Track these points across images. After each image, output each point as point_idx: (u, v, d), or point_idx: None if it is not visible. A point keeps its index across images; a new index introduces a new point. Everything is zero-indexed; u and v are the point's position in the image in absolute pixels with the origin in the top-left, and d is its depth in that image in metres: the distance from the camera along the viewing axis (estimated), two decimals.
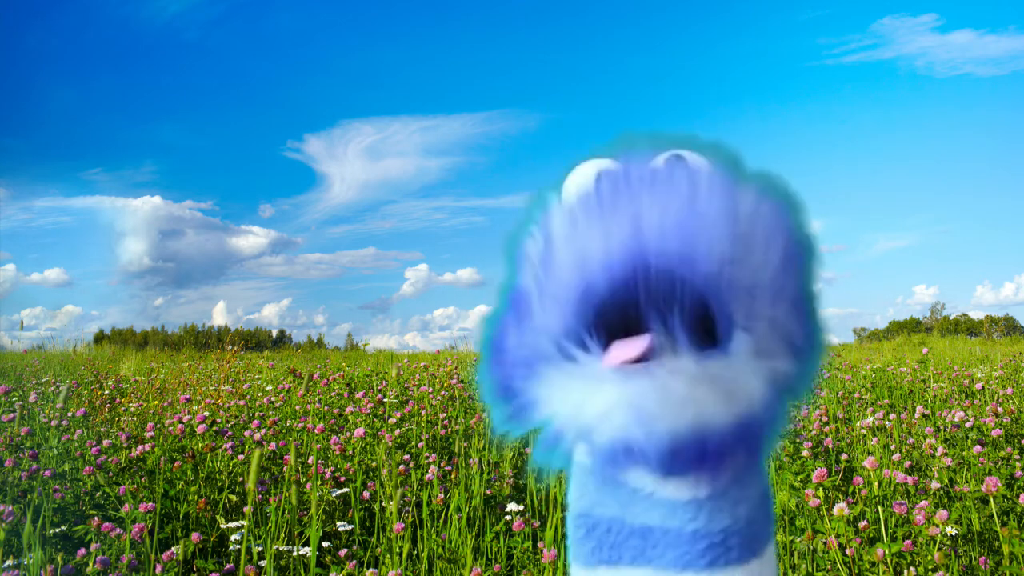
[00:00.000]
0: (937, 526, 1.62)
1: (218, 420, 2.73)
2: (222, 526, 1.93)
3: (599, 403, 0.26)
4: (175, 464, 2.17)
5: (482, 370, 0.31)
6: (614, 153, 0.32)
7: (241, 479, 2.32)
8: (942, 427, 2.77)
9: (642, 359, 0.27)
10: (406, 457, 2.40)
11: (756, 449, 0.29)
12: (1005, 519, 2.03)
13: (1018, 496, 1.91)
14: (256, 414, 3.20)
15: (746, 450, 0.28)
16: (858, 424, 2.96)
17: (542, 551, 1.68)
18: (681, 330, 0.27)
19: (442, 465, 2.54)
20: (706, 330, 0.27)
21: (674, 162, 0.28)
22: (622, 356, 0.27)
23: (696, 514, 0.29)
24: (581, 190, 0.29)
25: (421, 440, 2.77)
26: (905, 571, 1.61)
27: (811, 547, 1.76)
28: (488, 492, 2.31)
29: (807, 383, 0.29)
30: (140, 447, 2.29)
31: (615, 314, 0.28)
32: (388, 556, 1.81)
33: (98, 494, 2.09)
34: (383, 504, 2.08)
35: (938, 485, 2.05)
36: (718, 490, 0.29)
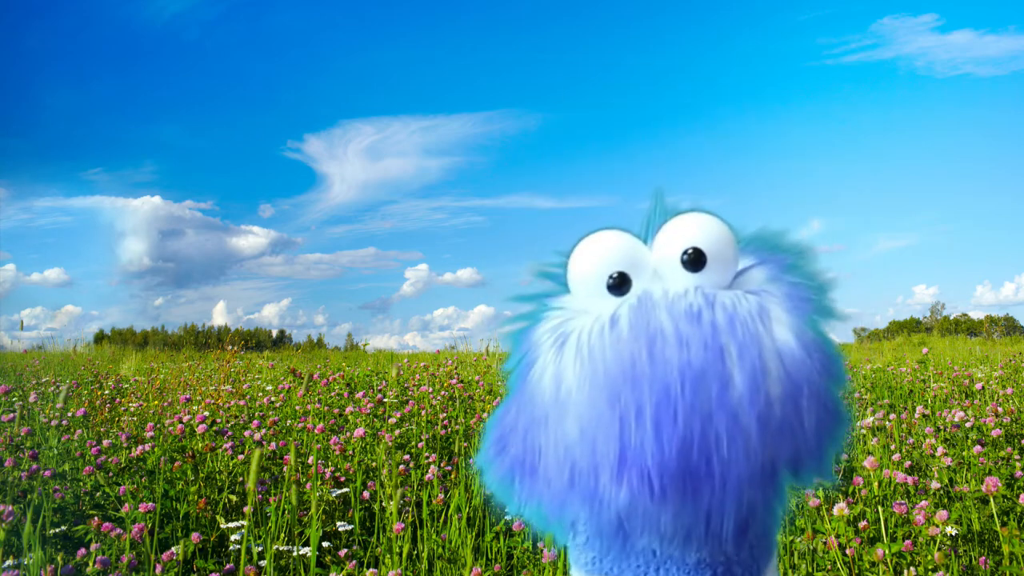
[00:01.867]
0: (937, 526, 1.62)
1: (218, 420, 2.73)
2: (222, 526, 1.93)
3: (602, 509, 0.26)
4: (175, 464, 2.17)
5: (485, 458, 0.30)
6: (619, 230, 0.29)
7: (241, 479, 2.32)
8: (942, 427, 2.76)
9: None
10: (406, 457, 2.40)
11: (761, 517, 0.29)
12: (1005, 519, 2.03)
13: (1018, 496, 1.91)
14: (256, 414, 3.20)
15: (751, 522, 0.28)
16: (858, 424, 2.96)
17: (542, 551, 1.68)
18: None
19: (442, 465, 2.54)
20: None
21: (701, 314, 0.25)
22: None
23: (700, 547, 0.28)
24: (599, 374, 0.25)
25: (421, 440, 2.77)
26: (905, 571, 1.61)
27: (811, 547, 1.76)
28: (488, 492, 2.31)
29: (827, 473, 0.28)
30: (140, 447, 2.29)
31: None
32: (388, 556, 1.81)
33: (98, 494, 2.09)
34: (383, 504, 2.08)
35: (938, 485, 2.05)
36: (718, 540, 0.28)
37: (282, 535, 1.85)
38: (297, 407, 3.26)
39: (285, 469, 2.26)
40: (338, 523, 2.05)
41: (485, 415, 2.96)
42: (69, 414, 2.88)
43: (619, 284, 0.28)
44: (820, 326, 0.27)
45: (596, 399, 0.25)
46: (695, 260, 0.28)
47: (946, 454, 2.27)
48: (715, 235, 0.28)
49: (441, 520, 2.12)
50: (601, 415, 0.24)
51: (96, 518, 1.62)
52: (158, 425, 2.74)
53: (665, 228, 0.29)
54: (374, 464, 2.46)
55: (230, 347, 6.16)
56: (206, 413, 2.86)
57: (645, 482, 0.24)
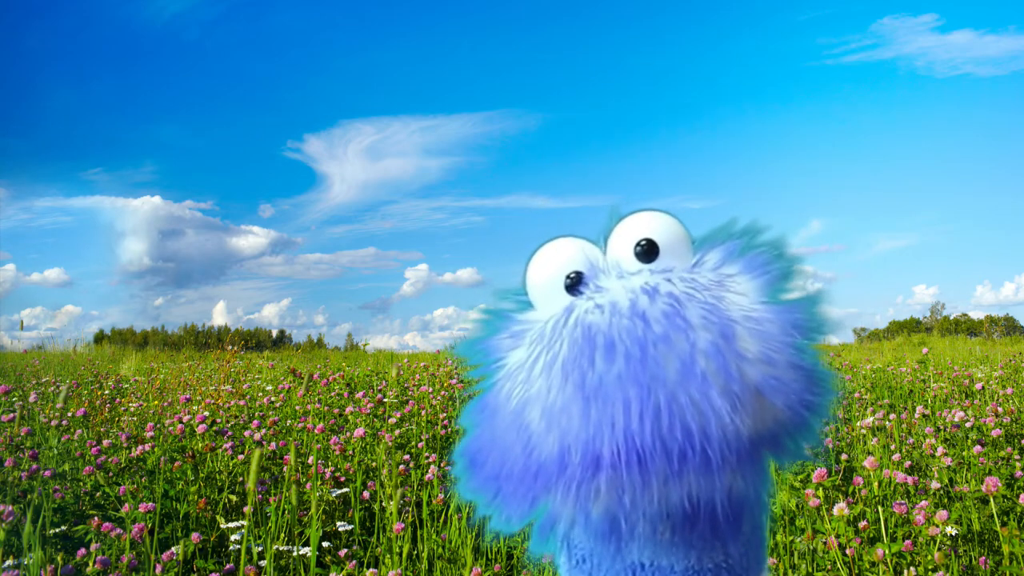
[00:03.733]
0: (937, 526, 1.62)
1: (218, 420, 2.73)
2: (222, 526, 1.93)
3: (589, 500, 0.25)
4: (175, 464, 2.17)
5: (462, 479, 0.29)
6: (578, 237, 0.29)
7: (241, 479, 2.32)
8: (942, 427, 2.76)
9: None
10: (406, 457, 2.40)
11: (745, 506, 0.28)
12: (1005, 519, 2.03)
13: (1018, 496, 1.91)
14: (256, 414, 3.20)
15: (735, 510, 0.28)
16: (858, 424, 2.96)
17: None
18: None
19: (442, 465, 2.54)
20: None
21: (664, 315, 0.25)
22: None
23: (687, 553, 0.28)
24: (558, 360, 0.25)
25: (421, 440, 2.77)
26: (905, 571, 1.61)
27: (811, 547, 1.76)
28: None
29: (814, 440, 0.27)
30: (140, 447, 2.29)
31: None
32: (388, 556, 1.81)
33: (98, 494, 2.09)
34: (383, 504, 2.08)
35: (938, 485, 2.05)
36: (710, 532, 0.28)
37: (282, 535, 1.85)
38: (297, 407, 3.26)
39: (285, 469, 2.26)
40: (338, 523, 2.05)
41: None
42: (69, 414, 2.88)
43: (575, 284, 0.29)
44: (784, 288, 0.26)
45: (559, 386, 0.25)
46: (648, 251, 0.28)
47: (946, 454, 2.27)
48: (665, 226, 0.29)
49: (441, 520, 2.11)
50: (566, 401, 0.24)
51: (96, 518, 1.62)
52: (158, 425, 2.74)
53: (616, 228, 0.30)
54: (374, 464, 2.46)
55: (230, 347, 6.16)
56: (206, 413, 2.85)
57: (619, 458, 0.23)
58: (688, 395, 0.23)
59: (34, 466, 1.89)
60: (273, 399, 3.47)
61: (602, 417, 0.23)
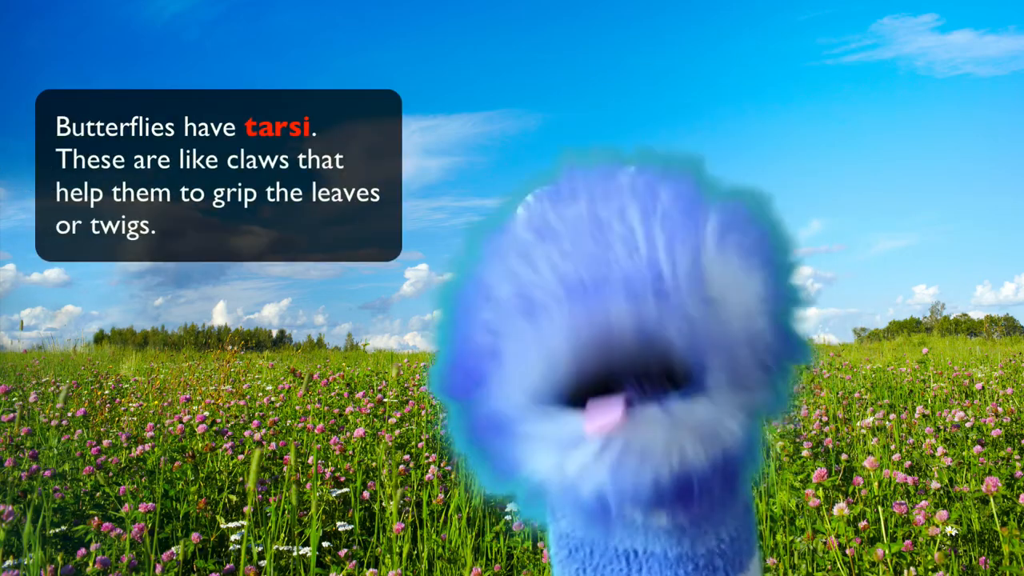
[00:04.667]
0: (937, 526, 1.62)
1: (218, 420, 2.74)
2: (222, 526, 1.93)
3: (576, 463, 0.25)
4: (175, 464, 2.17)
5: (451, 425, 0.29)
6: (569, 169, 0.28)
7: (241, 479, 2.32)
8: (942, 427, 2.77)
9: (620, 423, 0.25)
10: (406, 457, 2.40)
11: (737, 474, 0.28)
12: (1005, 519, 2.03)
13: (1018, 496, 1.91)
14: (256, 414, 3.20)
15: (728, 479, 0.27)
16: (858, 424, 2.96)
17: (542, 551, 1.69)
18: (654, 383, 0.25)
19: (442, 465, 2.54)
20: (677, 371, 0.25)
21: (634, 177, 0.25)
22: (599, 424, 0.25)
23: (680, 539, 0.28)
24: (523, 222, 0.26)
25: (421, 440, 2.77)
26: (905, 571, 1.61)
27: (811, 547, 1.76)
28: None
29: (784, 403, 0.27)
30: (140, 447, 2.29)
31: (580, 372, 0.25)
32: (388, 556, 1.81)
33: (98, 494, 2.09)
34: (383, 504, 2.08)
35: (938, 485, 2.05)
36: (701, 515, 0.28)
37: (282, 535, 1.85)
38: (297, 407, 3.27)
39: (285, 469, 2.26)
40: (338, 523, 2.06)
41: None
42: (69, 414, 2.88)
43: None
44: (768, 233, 0.26)
45: (522, 268, 0.25)
46: None
47: (946, 454, 2.27)
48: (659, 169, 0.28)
49: (441, 520, 2.12)
50: (529, 278, 0.25)
51: (96, 518, 1.62)
52: (158, 425, 2.74)
53: None
54: (374, 464, 2.46)
55: (230, 347, 6.16)
56: (206, 413, 2.86)
57: (591, 322, 0.23)
58: (656, 268, 0.23)
59: (34, 466, 1.89)
60: (273, 399, 3.47)
61: (570, 282, 0.24)
